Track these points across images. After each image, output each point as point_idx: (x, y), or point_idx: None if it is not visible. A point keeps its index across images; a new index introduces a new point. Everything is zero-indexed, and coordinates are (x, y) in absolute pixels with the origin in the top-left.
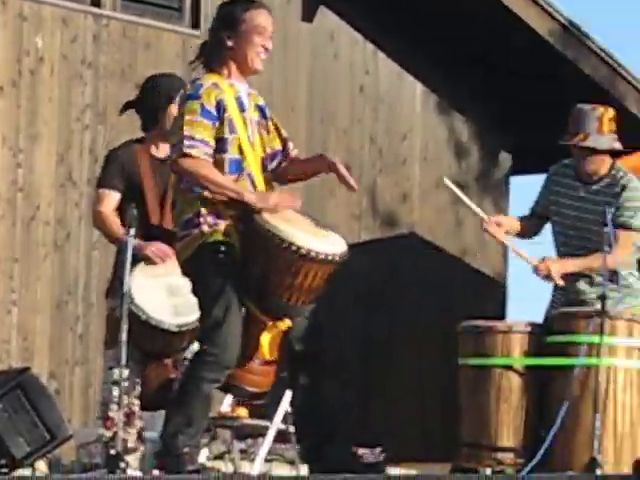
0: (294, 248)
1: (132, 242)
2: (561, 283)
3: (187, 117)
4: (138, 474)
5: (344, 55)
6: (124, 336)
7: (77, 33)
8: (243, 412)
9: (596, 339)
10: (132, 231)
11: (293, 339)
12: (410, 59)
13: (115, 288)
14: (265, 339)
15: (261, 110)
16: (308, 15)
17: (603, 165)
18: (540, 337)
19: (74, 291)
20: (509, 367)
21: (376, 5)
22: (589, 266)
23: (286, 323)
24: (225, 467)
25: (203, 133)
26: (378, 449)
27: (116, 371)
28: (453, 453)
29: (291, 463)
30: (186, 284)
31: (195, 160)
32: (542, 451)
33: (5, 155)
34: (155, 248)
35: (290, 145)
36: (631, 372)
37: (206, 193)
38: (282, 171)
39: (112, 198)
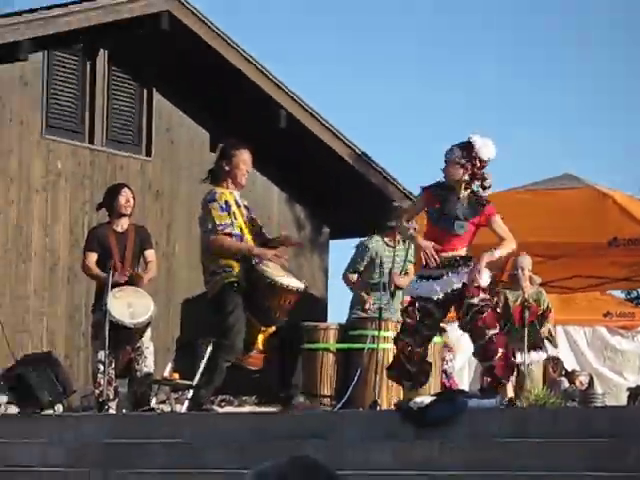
0: (277, 284)
1: (110, 280)
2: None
3: (213, 212)
4: (115, 413)
5: None
6: (105, 333)
7: (80, 160)
8: (176, 375)
9: (376, 333)
10: (110, 274)
11: (284, 335)
12: (274, 177)
13: (97, 306)
14: (260, 338)
15: (246, 207)
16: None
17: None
18: (345, 332)
19: (80, 308)
20: (328, 350)
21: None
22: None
23: (272, 328)
24: (166, 408)
25: (221, 220)
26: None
27: (101, 353)
28: None
29: None
30: (138, 301)
31: (220, 237)
32: (345, 397)
33: (39, 231)
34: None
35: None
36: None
37: (222, 254)
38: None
39: (92, 256)
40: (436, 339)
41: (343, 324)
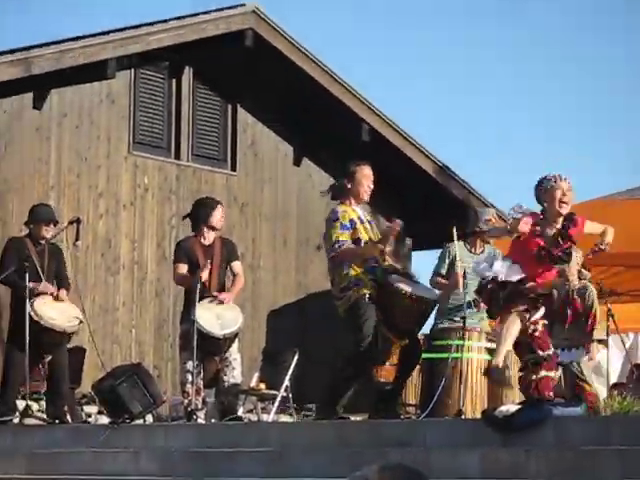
0: (410, 295)
1: (198, 291)
2: None
3: (332, 231)
4: (204, 422)
5: (317, 185)
6: (194, 343)
7: (167, 175)
8: (263, 386)
9: (460, 342)
10: (198, 285)
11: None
12: None
13: (186, 317)
14: (394, 350)
15: (369, 222)
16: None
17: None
18: (430, 341)
19: (167, 320)
20: None
21: (337, 159)
22: None
23: (405, 340)
24: (252, 417)
25: (341, 237)
26: None
27: (189, 363)
28: None
29: (290, 415)
30: (227, 312)
31: (343, 252)
32: (431, 406)
33: (127, 245)
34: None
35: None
36: (480, 361)
37: (352, 269)
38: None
39: (183, 268)
40: None
41: (427, 334)
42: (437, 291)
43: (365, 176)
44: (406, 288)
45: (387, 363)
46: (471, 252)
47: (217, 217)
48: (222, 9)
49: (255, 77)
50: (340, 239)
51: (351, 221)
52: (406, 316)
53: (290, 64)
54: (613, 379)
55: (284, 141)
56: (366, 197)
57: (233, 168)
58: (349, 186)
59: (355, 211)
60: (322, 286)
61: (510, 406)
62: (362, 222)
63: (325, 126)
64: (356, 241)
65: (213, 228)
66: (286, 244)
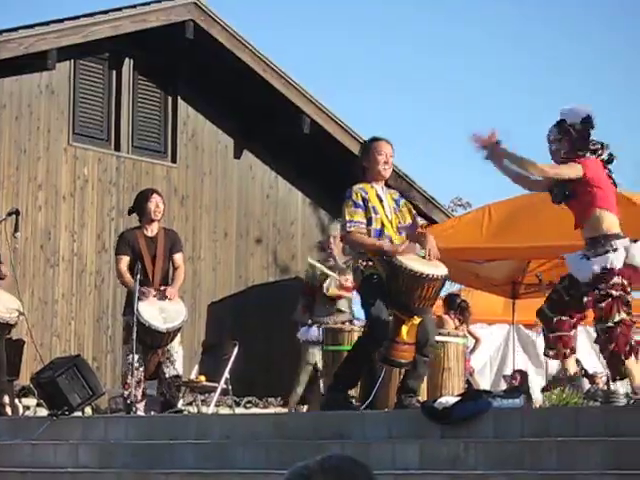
0: (418, 274)
1: (138, 285)
2: None
3: (346, 209)
4: (143, 414)
5: (258, 177)
6: (134, 336)
7: (107, 166)
8: (203, 378)
9: None
10: (138, 278)
11: (421, 330)
12: (297, 182)
13: (127, 309)
14: (404, 329)
15: (395, 200)
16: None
17: None
18: None
19: (106, 312)
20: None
21: (277, 151)
22: None
23: (417, 319)
24: (192, 410)
25: (352, 216)
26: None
27: (130, 356)
28: None
29: (230, 407)
30: (170, 306)
31: (353, 234)
32: (370, 398)
33: (67, 236)
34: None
35: (417, 220)
36: None
37: (360, 250)
38: (409, 236)
39: (124, 260)
40: (459, 340)
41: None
42: (443, 270)
43: (378, 151)
44: (411, 265)
45: (400, 342)
46: None
47: (152, 207)
48: (162, 0)
49: (196, 69)
50: (353, 219)
51: (364, 199)
52: (412, 294)
53: (230, 56)
54: (553, 371)
55: (225, 133)
56: (385, 174)
57: (173, 160)
58: (365, 164)
59: (373, 188)
60: (262, 278)
61: (449, 398)
62: (381, 200)
63: (266, 118)
64: (369, 220)
65: (151, 219)
66: (226, 236)
